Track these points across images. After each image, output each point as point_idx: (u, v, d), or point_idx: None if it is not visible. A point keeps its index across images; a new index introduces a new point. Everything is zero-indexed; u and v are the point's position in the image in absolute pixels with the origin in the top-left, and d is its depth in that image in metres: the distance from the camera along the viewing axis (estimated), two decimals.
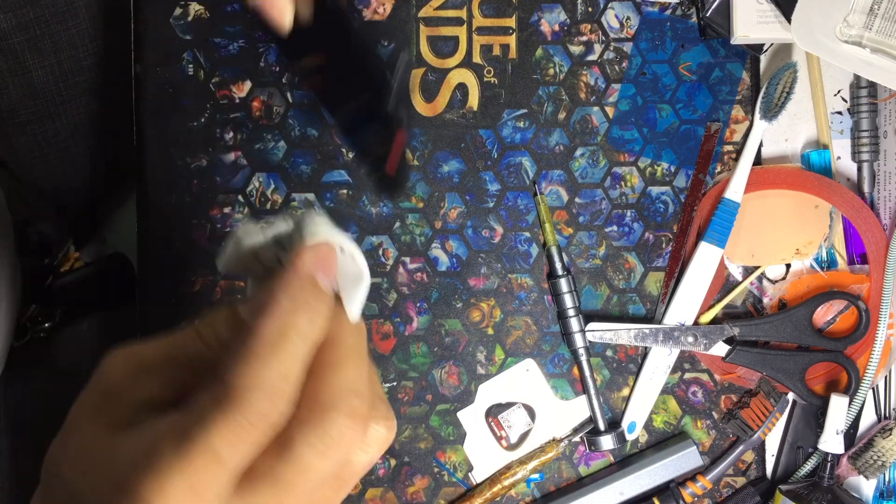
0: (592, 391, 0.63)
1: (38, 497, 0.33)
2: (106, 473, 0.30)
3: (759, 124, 0.63)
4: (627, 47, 0.64)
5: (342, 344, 0.33)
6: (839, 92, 0.65)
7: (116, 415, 0.32)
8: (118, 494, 0.29)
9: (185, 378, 0.33)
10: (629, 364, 0.64)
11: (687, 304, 0.63)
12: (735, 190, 0.62)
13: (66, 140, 0.78)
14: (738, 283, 0.64)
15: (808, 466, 0.63)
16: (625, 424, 0.64)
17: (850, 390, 0.62)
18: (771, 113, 0.62)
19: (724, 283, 0.64)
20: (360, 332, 0.34)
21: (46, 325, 0.82)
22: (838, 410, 0.61)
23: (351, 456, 0.31)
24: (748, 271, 0.64)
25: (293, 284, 0.32)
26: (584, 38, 0.64)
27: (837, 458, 0.62)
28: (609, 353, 0.64)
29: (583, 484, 0.64)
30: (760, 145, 0.64)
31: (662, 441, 0.65)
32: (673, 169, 0.64)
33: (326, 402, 0.31)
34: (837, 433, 0.60)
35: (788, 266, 0.64)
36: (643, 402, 0.64)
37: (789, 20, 0.57)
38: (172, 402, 0.31)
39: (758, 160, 0.64)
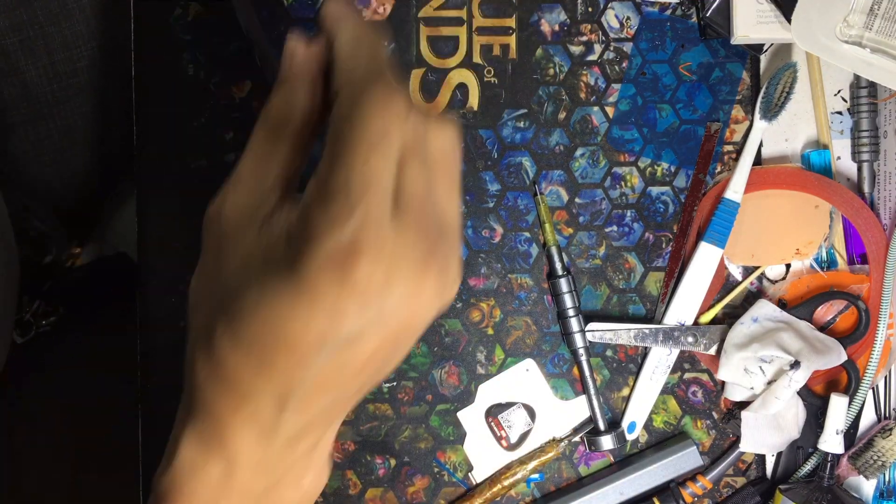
0: (592, 391, 0.63)
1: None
2: None
3: (759, 124, 0.63)
4: (627, 47, 0.64)
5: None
6: (839, 92, 0.65)
7: None
8: None
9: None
10: (629, 364, 0.64)
11: (687, 304, 0.63)
12: (735, 190, 0.62)
13: (59, 141, 0.78)
14: (738, 284, 0.64)
15: (808, 466, 0.63)
16: (625, 424, 0.64)
17: (850, 390, 0.62)
18: (771, 113, 0.62)
19: (724, 284, 0.64)
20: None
21: (50, 320, 0.82)
22: (838, 410, 0.61)
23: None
24: (748, 271, 0.64)
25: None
26: (584, 38, 0.64)
27: (837, 458, 0.62)
28: (609, 353, 0.64)
29: (583, 484, 0.64)
30: (760, 145, 0.64)
31: (662, 441, 0.65)
32: (673, 169, 0.64)
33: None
34: (837, 433, 0.60)
35: (788, 266, 0.65)
36: (643, 402, 0.64)
37: (789, 20, 0.57)
38: None
39: (758, 160, 0.64)
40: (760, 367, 0.60)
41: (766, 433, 0.61)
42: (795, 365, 0.59)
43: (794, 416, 0.61)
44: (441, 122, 0.36)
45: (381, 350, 0.34)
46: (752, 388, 0.61)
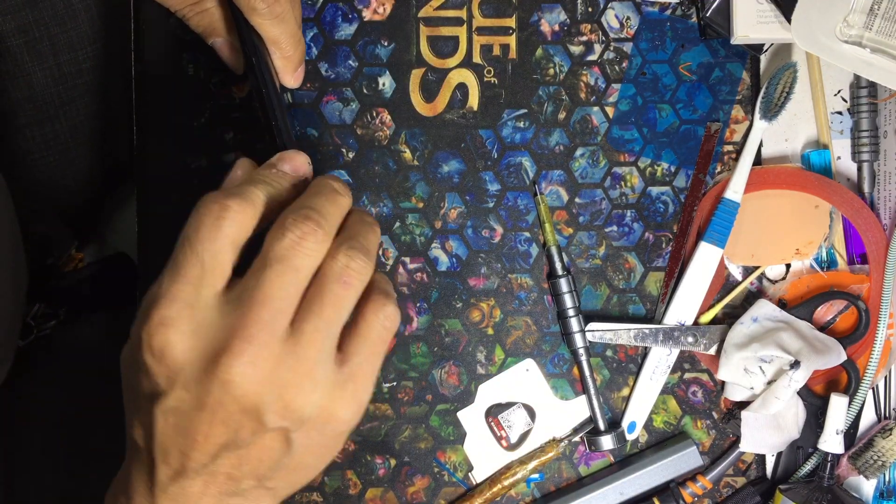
0: (592, 391, 0.63)
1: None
2: None
3: (759, 124, 0.63)
4: (627, 47, 0.64)
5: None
6: (839, 92, 0.65)
7: None
8: None
9: None
10: (629, 364, 0.64)
11: (687, 304, 0.63)
12: (735, 190, 0.62)
13: (65, 142, 0.79)
14: (738, 284, 0.64)
15: (808, 466, 0.63)
16: (625, 424, 0.64)
17: (850, 390, 0.62)
18: (771, 113, 0.62)
19: (724, 283, 0.64)
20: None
21: (51, 323, 0.82)
22: (838, 410, 0.61)
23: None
24: (748, 271, 0.64)
25: None
26: (584, 38, 0.64)
27: (837, 458, 0.62)
28: (609, 353, 0.64)
29: (583, 484, 0.64)
30: (760, 145, 0.64)
31: (662, 441, 0.65)
32: (673, 169, 0.64)
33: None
34: (837, 433, 0.60)
35: (788, 266, 0.64)
36: (643, 402, 0.64)
37: (789, 20, 0.57)
38: None
39: (758, 160, 0.64)
40: (760, 367, 0.60)
41: (766, 433, 0.61)
42: (795, 365, 0.59)
43: (794, 416, 0.61)
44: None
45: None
46: (752, 389, 0.61)
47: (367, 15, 0.64)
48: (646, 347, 0.64)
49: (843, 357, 0.60)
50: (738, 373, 0.61)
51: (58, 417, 0.77)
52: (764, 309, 0.62)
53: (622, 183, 0.64)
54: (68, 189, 0.84)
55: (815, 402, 0.62)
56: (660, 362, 0.63)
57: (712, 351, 0.63)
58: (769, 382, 0.60)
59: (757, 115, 0.63)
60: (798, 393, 0.61)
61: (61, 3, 0.73)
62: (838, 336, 0.62)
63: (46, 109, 0.76)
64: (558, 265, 0.63)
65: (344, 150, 0.64)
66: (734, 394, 0.62)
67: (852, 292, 0.63)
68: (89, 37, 0.75)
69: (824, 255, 0.64)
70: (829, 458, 0.61)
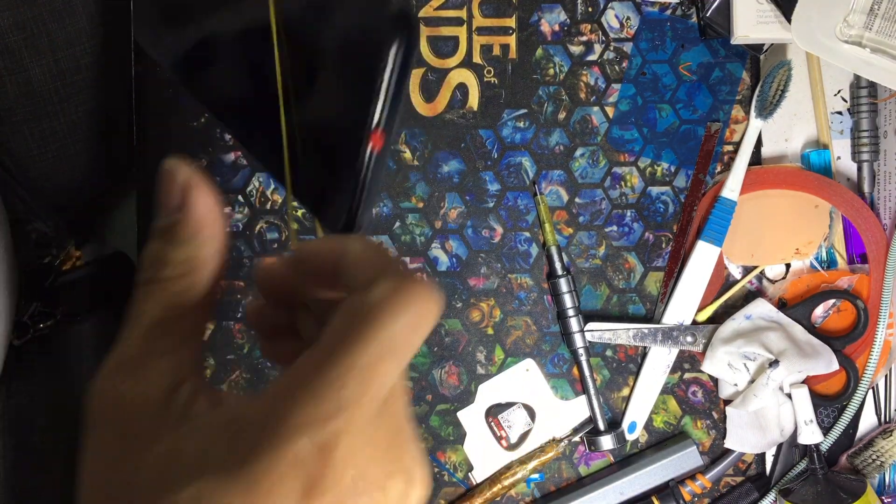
0: (592, 391, 0.63)
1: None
2: None
3: (755, 123, 0.63)
4: (627, 47, 0.64)
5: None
6: (839, 92, 0.65)
7: None
8: None
9: None
10: (629, 364, 0.64)
11: (685, 303, 0.63)
12: (731, 188, 0.62)
13: (63, 139, 0.78)
14: (737, 283, 0.64)
15: (804, 464, 0.63)
16: (625, 424, 0.64)
17: (849, 390, 0.62)
18: (766, 111, 0.62)
19: (723, 283, 0.64)
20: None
21: (48, 322, 0.82)
22: (801, 401, 0.61)
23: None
24: (748, 271, 0.64)
25: None
26: (584, 38, 0.64)
27: (819, 447, 0.62)
28: (609, 353, 0.64)
29: (583, 484, 0.64)
30: (760, 145, 0.64)
31: (662, 441, 0.65)
32: (673, 169, 0.64)
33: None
34: (807, 423, 0.61)
35: (788, 266, 0.65)
36: (643, 402, 0.64)
37: (789, 20, 0.57)
38: None
39: (758, 160, 0.64)
40: (745, 364, 0.60)
41: (749, 432, 0.62)
42: (774, 364, 0.59)
43: (775, 417, 0.61)
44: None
45: None
46: (735, 385, 0.61)
47: None
48: (645, 347, 0.64)
49: (835, 366, 0.60)
50: (722, 367, 0.61)
51: (55, 417, 0.77)
52: (760, 308, 0.62)
53: (622, 183, 0.64)
54: (66, 187, 0.83)
55: (815, 403, 0.62)
56: (659, 362, 0.63)
57: None
58: (753, 380, 0.61)
59: (752, 113, 0.63)
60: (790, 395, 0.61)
61: None
62: (837, 335, 0.62)
63: (44, 106, 0.76)
64: (558, 265, 0.63)
65: None
66: (723, 390, 0.63)
67: (842, 286, 0.63)
68: (87, 33, 0.75)
69: (824, 254, 0.64)
70: (814, 448, 0.61)
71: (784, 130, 0.65)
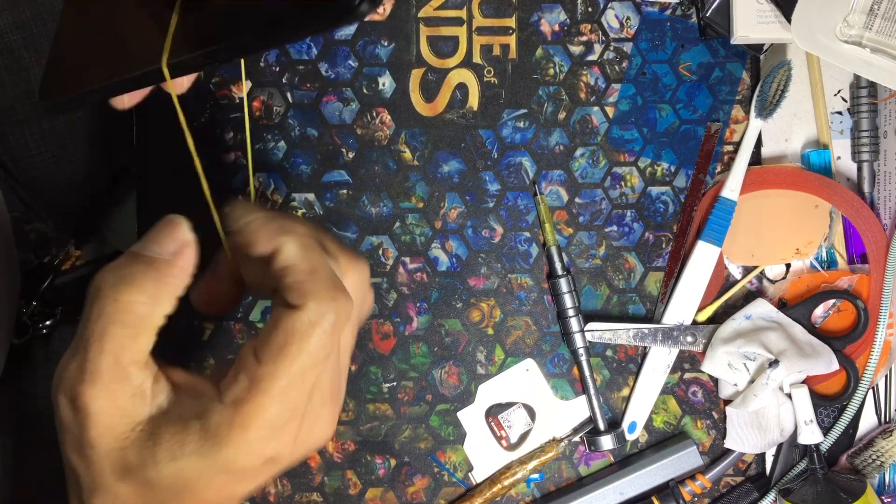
0: (592, 391, 0.63)
1: None
2: None
3: (755, 123, 0.63)
4: (627, 47, 0.64)
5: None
6: (839, 92, 0.65)
7: None
8: None
9: None
10: (629, 364, 0.64)
11: (685, 303, 0.63)
12: (731, 188, 0.62)
13: (63, 139, 0.78)
14: (737, 283, 0.64)
15: (804, 464, 0.63)
16: (625, 424, 0.64)
17: (849, 390, 0.62)
18: (766, 111, 0.62)
19: (724, 283, 0.64)
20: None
21: (48, 322, 0.82)
22: (801, 401, 0.61)
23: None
24: (748, 271, 0.64)
25: None
26: (584, 38, 0.64)
27: (819, 447, 0.62)
28: (609, 353, 0.64)
29: (583, 484, 0.64)
30: (759, 145, 0.64)
31: (662, 441, 0.65)
32: (673, 169, 0.64)
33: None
34: (807, 423, 0.61)
35: (788, 266, 0.65)
36: (643, 402, 0.64)
37: (789, 20, 0.57)
38: None
39: (757, 160, 0.64)
40: (745, 364, 0.60)
41: (749, 432, 0.62)
42: (774, 364, 0.59)
43: (774, 417, 0.61)
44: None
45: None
46: (735, 385, 0.61)
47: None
48: (645, 347, 0.64)
49: (835, 366, 0.60)
50: (722, 367, 0.61)
51: (53, 416, 0.76)
52: (760, 308, 0.62)
53: (622, 183, 0.64)
54: (66, 186, 0.83)
55: (816, 403, 0.62)
56: (659, 362, 0.63)
57: None
58: (753, 380, 0.61)
59: (752, 113, 0.63)
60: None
61: None
62: (837, 335, 0.62)
63: None
64: (558, 265, 0.63)
65: (344, 150, 0.64)
66: (723, 390, 0.63)
67: (842, 286, 0.63)
68: None
69: (824, 254, 0.64)
70: (814, 448, 0.61)
71: (784, 130, 0.65)
